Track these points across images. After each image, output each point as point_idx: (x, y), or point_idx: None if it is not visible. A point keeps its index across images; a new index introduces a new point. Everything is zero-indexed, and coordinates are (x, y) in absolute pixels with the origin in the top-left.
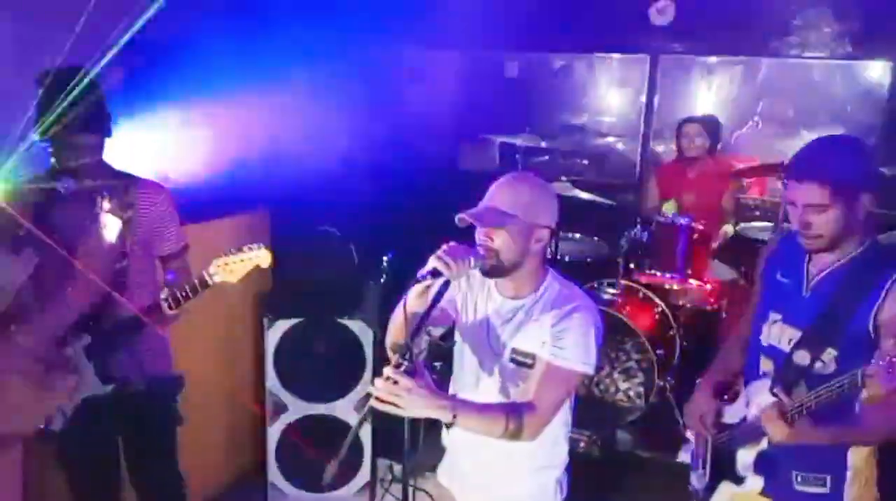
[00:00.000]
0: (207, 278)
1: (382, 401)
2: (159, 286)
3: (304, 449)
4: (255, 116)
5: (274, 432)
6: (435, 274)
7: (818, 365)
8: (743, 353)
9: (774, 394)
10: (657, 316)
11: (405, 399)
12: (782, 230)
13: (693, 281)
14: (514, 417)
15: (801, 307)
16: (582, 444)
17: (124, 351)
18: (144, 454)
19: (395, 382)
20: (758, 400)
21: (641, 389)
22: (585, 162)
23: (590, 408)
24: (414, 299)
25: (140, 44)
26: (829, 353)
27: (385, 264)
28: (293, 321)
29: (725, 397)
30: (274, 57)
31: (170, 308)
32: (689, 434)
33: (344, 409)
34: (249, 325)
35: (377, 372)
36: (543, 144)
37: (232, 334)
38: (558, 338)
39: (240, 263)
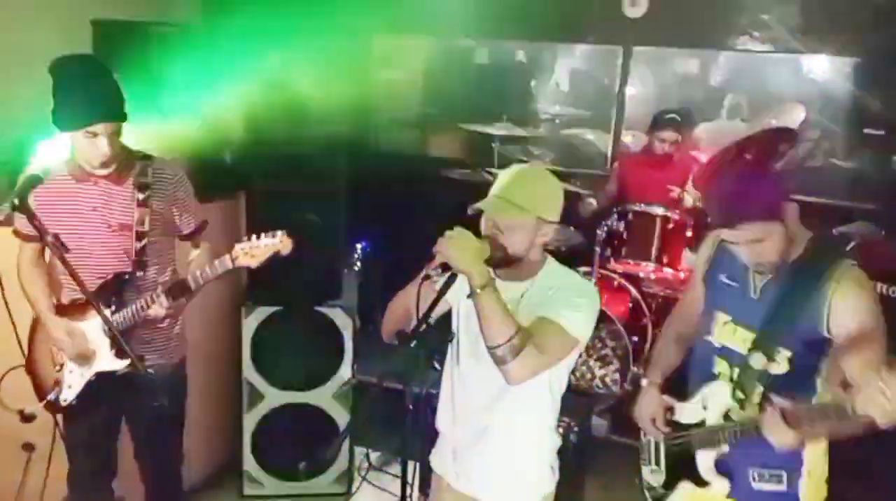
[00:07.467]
0: (229, 261)
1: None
2: (178, 266)
3: (281, 439)
4: (231, 101)
5: (250, 421)
6: (445, 267)
7: (773, 365)
8: (680, 349)
9: (768, 398)
10: (631, 305)
11: (460, 239)
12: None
13: (667, 270)
14: (522, 335)
15: (751, 308)
16: (560, 430)
17: (141, 328)
18: (152, 433)
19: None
20: (715, 403)
21: (617, 376)
22: (557, 151)
23: (567, 395)
24: (423, 293)
25: None
26: (783, 354)
27: (359, 253)
28: (271, 309)
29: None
30: (246, 41)
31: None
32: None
33: (322, 398)
34: (226, 313)
35: (356, 360)
36: (517, 133)
37: (208, 322)
38: (570, 306)
39: (263, 248)
